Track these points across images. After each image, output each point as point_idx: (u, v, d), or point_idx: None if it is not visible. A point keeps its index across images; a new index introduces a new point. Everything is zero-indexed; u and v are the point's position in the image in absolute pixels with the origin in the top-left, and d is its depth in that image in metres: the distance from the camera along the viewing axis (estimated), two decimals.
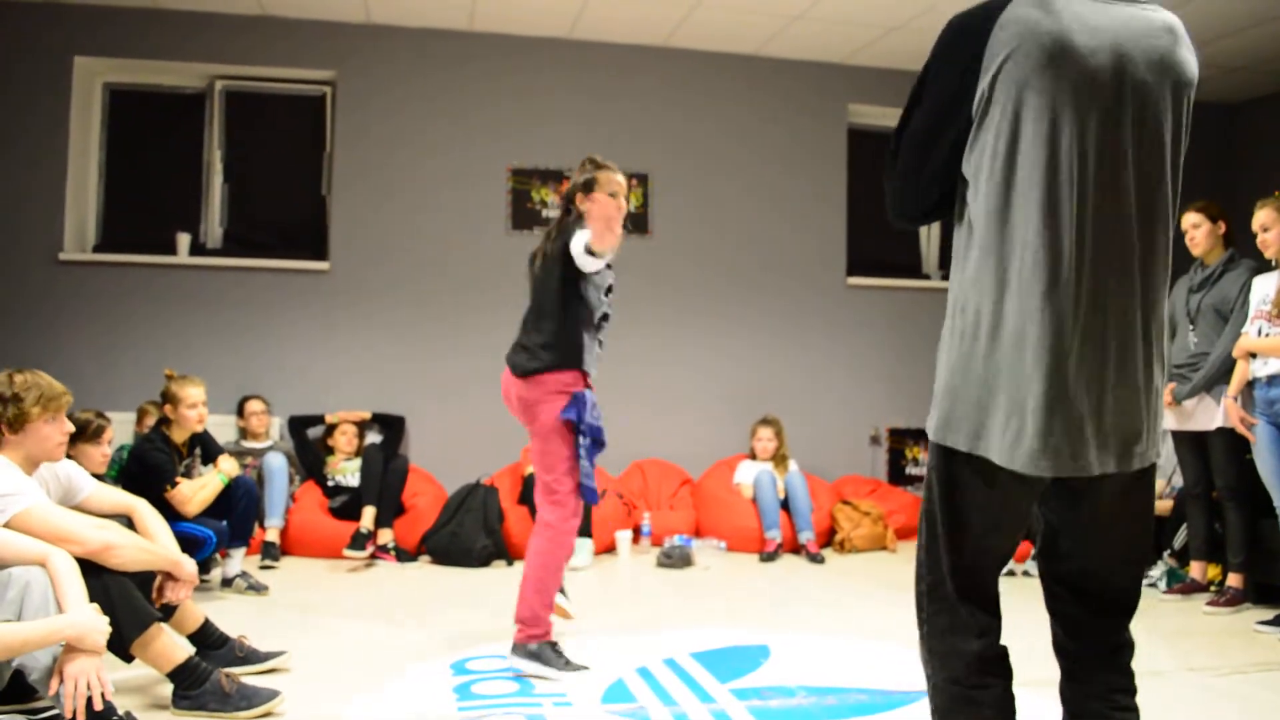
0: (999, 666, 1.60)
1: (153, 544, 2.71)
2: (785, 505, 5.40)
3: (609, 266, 3.09)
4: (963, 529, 1.58)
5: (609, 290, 3.16)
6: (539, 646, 3.02)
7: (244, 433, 5.34)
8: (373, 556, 4.81)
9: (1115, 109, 1.47)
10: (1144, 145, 1.50)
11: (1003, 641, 1.62)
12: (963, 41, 1.51)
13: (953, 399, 1.55)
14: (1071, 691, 1.65)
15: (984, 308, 1.51)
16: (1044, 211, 1.46)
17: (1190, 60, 1.54)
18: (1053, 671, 1.69)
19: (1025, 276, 1.47)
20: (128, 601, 2.45)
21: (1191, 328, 4.23)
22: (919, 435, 6.51)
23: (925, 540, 1.64)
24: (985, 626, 1.59)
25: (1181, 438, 4.28)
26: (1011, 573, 4.56)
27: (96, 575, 2.39)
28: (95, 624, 2.22)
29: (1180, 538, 4.51)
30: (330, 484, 5.24)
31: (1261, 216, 3.81)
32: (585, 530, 5.00)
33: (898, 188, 1.63)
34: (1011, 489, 1.54)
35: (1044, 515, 1.66)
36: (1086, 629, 1.64)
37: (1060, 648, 1.67)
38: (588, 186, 3.07)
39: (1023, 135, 1.47)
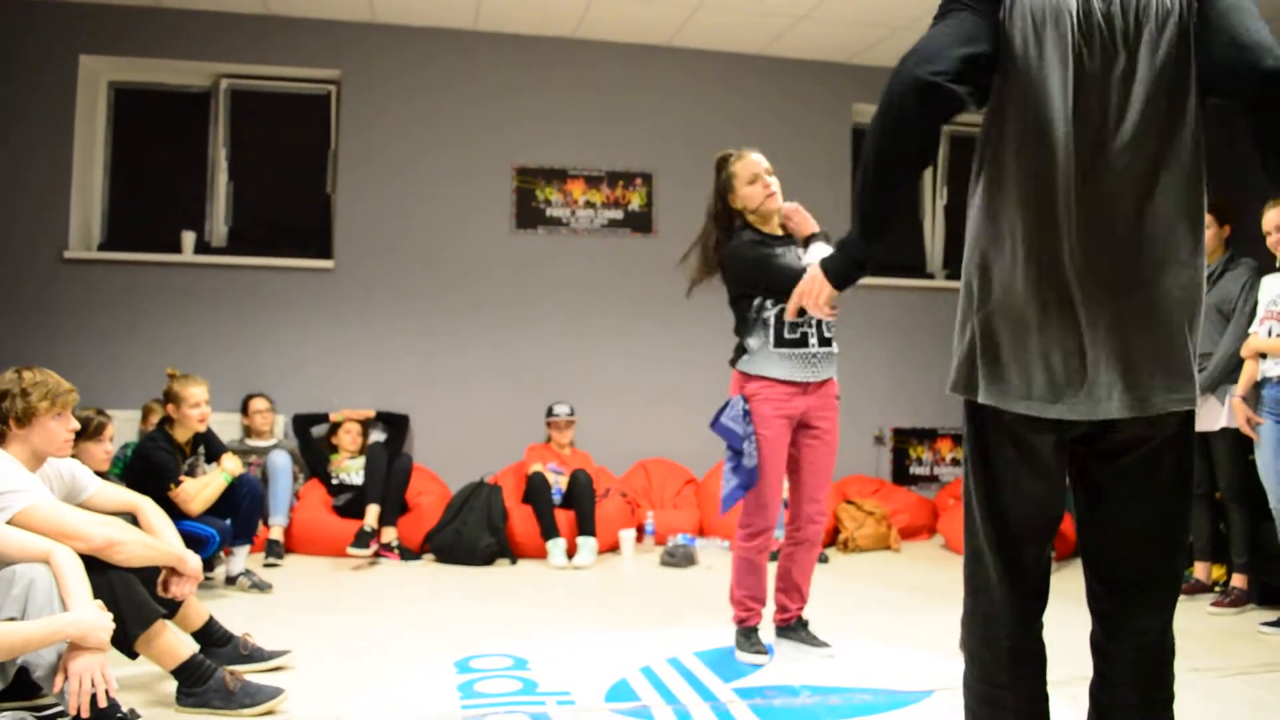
0: (1032, 665, 1.57)
1: (157, 540, 2.71)
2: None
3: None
4: (994, 484, 1.56)
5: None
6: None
7: (248, 431, 5.35)
8: (376, 555, 4.82)
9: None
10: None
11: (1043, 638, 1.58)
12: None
13: (971, 354, 1.55)
14: (1102, 694, 1.61)
15: (993, 261, 1.53)
16: (1036, 149, 1.49)
17: None
18: (1072, 670, 1.66)
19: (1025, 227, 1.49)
20: (132, 598, 2.45)
21: None
22: (923, 435, 6.50)
23: (966, 514, 1.62)
24: (1023, 616, 1.56)
25: None
26: None
27: (101, 572, 2.39)
28: (99, 621, 2.22)
29: None
30: (334, 482, 5.25)
31: (1273, 216, 3.76)
32: (589, 529, 5.00)
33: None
34: (1036, 442, 1.52)
35: (1073, 494, 1.63)
36: (1122, 628, 1.59)
37: (1096, 646, 1.63)
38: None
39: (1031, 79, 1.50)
